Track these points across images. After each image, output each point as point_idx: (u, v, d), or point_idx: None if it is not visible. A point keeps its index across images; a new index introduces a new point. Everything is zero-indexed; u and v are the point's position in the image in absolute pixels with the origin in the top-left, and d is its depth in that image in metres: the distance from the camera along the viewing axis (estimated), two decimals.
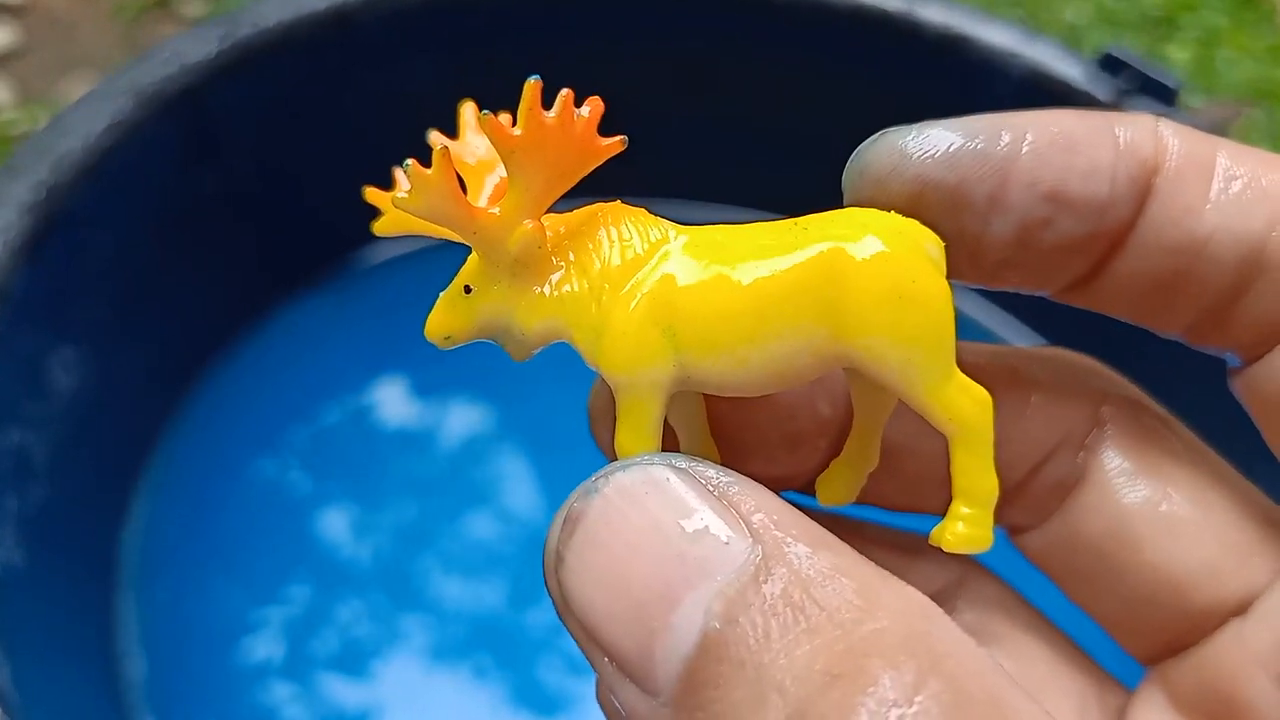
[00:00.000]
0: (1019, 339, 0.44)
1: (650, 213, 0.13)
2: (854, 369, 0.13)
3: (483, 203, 0.13)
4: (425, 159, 0.13)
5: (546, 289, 0.13)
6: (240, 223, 0.44)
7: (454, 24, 0.44)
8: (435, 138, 0.14)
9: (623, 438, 0.13)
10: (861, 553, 0.11)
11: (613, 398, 0.13)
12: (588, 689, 0.34)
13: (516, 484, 0.43)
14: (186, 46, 0.39)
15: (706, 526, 0.11)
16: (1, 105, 0.72)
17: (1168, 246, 0.13)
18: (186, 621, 0.39)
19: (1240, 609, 0.15)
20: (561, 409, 0.44)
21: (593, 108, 0.13)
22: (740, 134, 0.47)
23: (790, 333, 0.12)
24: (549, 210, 0.13)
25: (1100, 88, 0.41)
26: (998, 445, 0.13)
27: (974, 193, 0.13)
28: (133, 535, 0.40)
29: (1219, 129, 0.42)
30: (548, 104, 0.13)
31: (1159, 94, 0.41)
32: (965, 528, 0.13)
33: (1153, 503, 0.15)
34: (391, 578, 0.41)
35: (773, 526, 0.11)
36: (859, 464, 0.14)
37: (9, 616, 0.32)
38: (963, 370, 0.13)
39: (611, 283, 0.13)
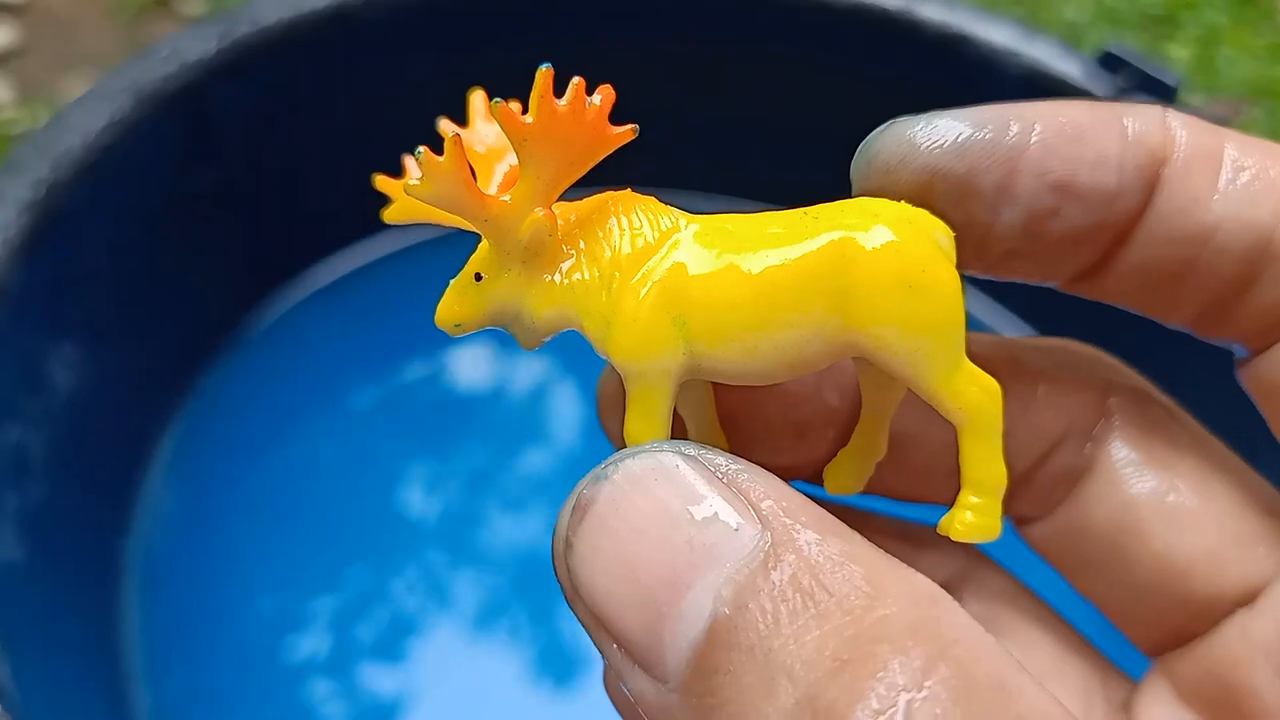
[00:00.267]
0: (1013, 333, 0.44)
1: (660, 201, 0.13)
2: (863, 358, 0.13)
3: (493, 191, 0.13)
4: (433, 150, 0.13)
5: (557, 277, 0.13)
6: (239, 220, 0.44)
7: (454, 22, 0.44)
8: (445, 126, 0.14)
9: (632, 426, 0.13)
10: (863, 532, 0.11)
11: (622, 386, 0.13)
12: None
13: (522, 487, 0.43)
14: (186, 45, 0.39)
15: (716, 513, 0.11)
16: (1, 104, 0.72)
17: (1175, 236, 0.13)
18: (186, 617, 0.39)
19: (1246, 599, 0.15)
20: (557, 418, 0.44)
21: (604, 96, 0.13)
22: (739, 131, 0.47)
23: (800, 321, 0.12)
24: (560, 198, 0.13)
25: (1099, 86, 0.41)
26: (1004, 435, 0.13)
27: (982, 182, 0.13)
28: (132, 532, 0.40)
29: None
30: (559, 92, 0.13)
31: (1158, 92, 0.41)
32: (974, 517, 0.13)
33: (1159, 493, 0.15)
34: (392, 577, 0.41)
35: (782, 513, 0.11)
36: (866, 454, 0.14)
37: (9, 613, 0.32)
38: (970, 360, 0.13)
39: (622, 271, 0.13)
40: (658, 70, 0.46)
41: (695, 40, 0.46)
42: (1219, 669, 0.14)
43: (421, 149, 0.12)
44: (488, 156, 0.14)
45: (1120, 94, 0.41)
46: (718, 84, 0.47)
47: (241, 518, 0.42)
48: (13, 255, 0.34)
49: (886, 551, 0.11)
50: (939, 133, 0.13)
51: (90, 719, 0.35)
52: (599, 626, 0.11)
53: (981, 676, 0.10)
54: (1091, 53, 0.42)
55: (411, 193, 0.13)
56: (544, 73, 0.12)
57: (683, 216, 0.13)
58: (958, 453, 0.13)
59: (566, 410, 0.44)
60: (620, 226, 0.13)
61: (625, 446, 0.13)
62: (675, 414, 0.13)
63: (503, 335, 0.14)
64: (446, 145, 0.12)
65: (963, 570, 0.16)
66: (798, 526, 0.11)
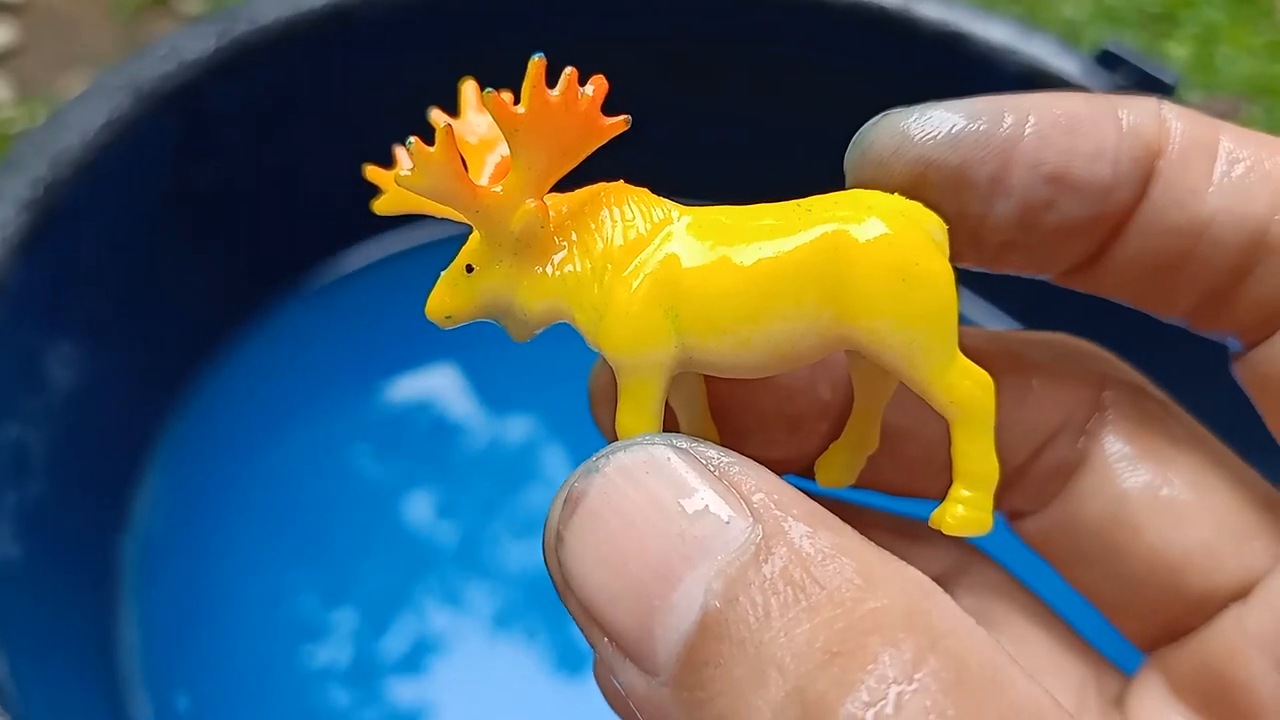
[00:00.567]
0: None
1: (652, 193, 0.13)
2: (855, 351, 0.13)
3: (484, 182, 0.13)
4: (427, 141, 0.12)
5: (549, 269, 0.13)
6: (237, 219, 0.44)
7: (452, 21, 0.44)
8: (437, 116, 0.14)
9: (624, 418, 0.13)
10: (860, 528, 0.11)
11: (614, 379, 0.13)
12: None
13: (524, 471, 0.43)
14: (184, 43, 0.39)
15: (707, 506, 0.11)
16: (1, 102, 0.72)
17: (1171, 229, 0.13)
18: (184, 615, 0.39)
19: (1240, 593, 0.15)
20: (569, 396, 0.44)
21: (596, 86, 0.13)
22: (737, 130, 0.47)
23: (793, 314, 0.12)
24: (552, 189, 0.13)
25: (1098, 83, 0.41)
26: (998, 429, 0.13)
27: (976, 174, 0.13)
28: (131, 530, 0.40)
29: None
30: (551, 83, 0.12)
31: (1157, 89, 0.41)
32: (965, 510, 0.13)
33: (1153, 487, 0.15)
34: (392, 576, 0.41)
35: (773, 506, 0.11)
36: (859, 446, 0.14)
37: (7, 611, 0.32)
38: (964, 354, 0.13)
39: (614, 263, 0.13)
40: (655, 69, 0.46)
41: (692, 40, 0.46)
42: (1213, 662, 0.14)
43: (413, 139, 0.12)
44: (479, 147, 0.14)
45: (1118, 92, 0.41)
46: (715, 83, 0.47)
47: (239, 516, 0.42)
48: (12, 254, 0.34)
49: (880, 545, 0.11)
50: (933, 124, 0.13)
51: (88, 715, 0.35)
52: (590, 620, 0.11)
53: (973, 668, 0.10)
54: (1090, 51, 0.42)
55: (402, 183, 0.12)
56: (536, 62, 0.12)
57: (675, 208, 0.13)
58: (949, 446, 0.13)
59: (570, 405, 0.44)
60: (613, 218, 0.13)
61: (617, 439, 0.13)
62: (667, 407, 0.13)
63: (506, 338, 0.14)
64: (438, 135, 0.12)
65: (957, 565, 0.16)
66: (789, 519, 0.11)
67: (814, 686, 0.10)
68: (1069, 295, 0.15)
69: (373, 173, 0.14)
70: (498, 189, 0.13)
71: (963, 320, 0.13)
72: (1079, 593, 0.16)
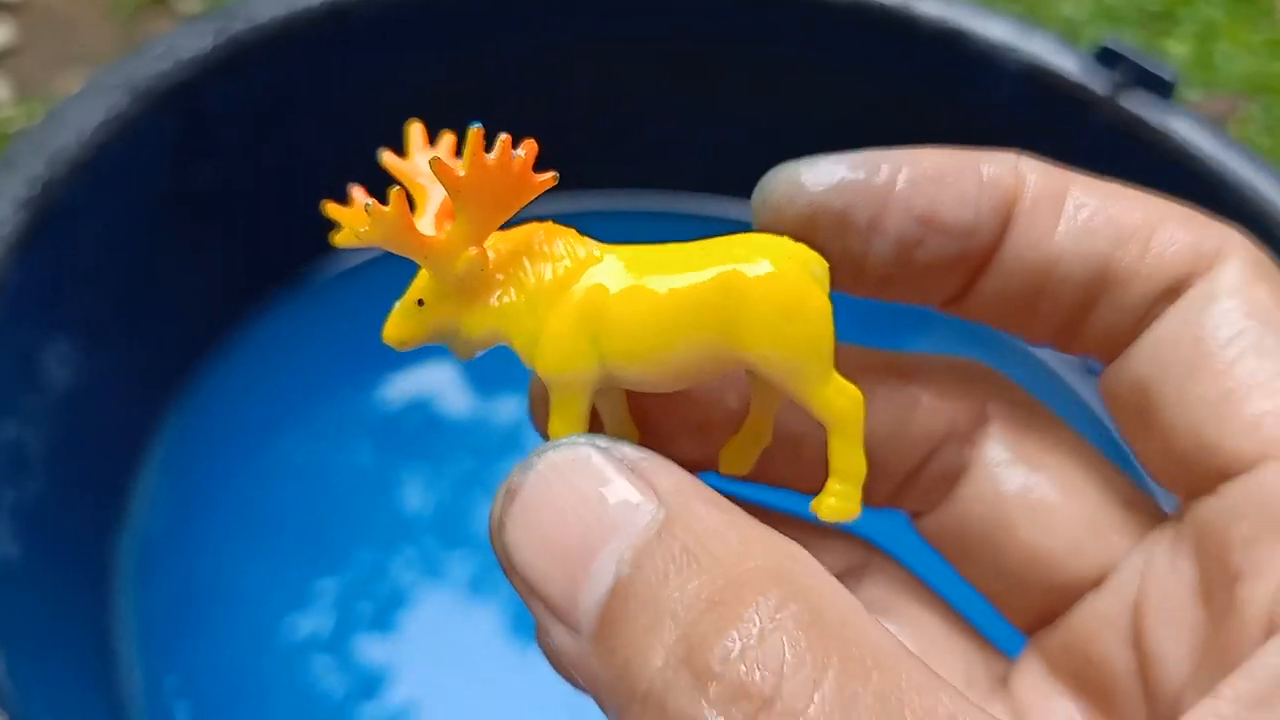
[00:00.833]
0: None
1: (580, 233, 0.15)
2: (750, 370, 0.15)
3: (429, 218, 0.16)
4: (370, 189, 0.15)
5: (492, 300, 0.15)
6: (235, 217, 0.44)
7: (450, 20, 0.44)
8: (388, 158, 0.16)
9: (555, 424, 0.15)
10: (784, 531, 0.13)
11: (547, 391, 0.15)
12: None
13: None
14: (181, 41, 0.39)
15: (621, 494, 0.13)
16: None
17: (1027, 265, 0.16)
18: (182, 613, 0.39)
19: (1099, 581, 0.17)
20: None
21: (527, 149, 0.15)
22: (736, 128, 0.47)
23: (696, 341, 0.14)
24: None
25: (1097, 80, 0.41)
26: (893, 437, 0.17)
27: (857, 217, 0.15)
28: (130, 528, 0.40)
29: (1216, 123, 0.42)
30: (489, 147, 0.14)
31: (1156, 86, 0.40)
32: (837, 501, 0.15)
33: (1026, 489, 0.17)
34: (392, 576, 0.41)
35: (676, 493, 0.13)
36: (754, 441, 0.17)
37: (5, 610, 0.32)
38: (861, 371, 0.16)
39: (545, 295, 0.15)
40: (654, 69, 0.46)
41: (691, 38, 0.46)
42: (1077, 643, 0.17)
43: (370, 201, 0.14)
44: (423, 185, 0.16)
45: (1118, 88, 0.41)
46: (714, 82, 0.47)
47: (237, 513, 0.42)
48: (9, 252, 0.34)
49: (798, 538, 0.13)
50: (821, 174, 0.15)
51: (87, 714, 0.35)
52: (528, 590, 0.14)
53: (826, 612, 0.12)
54: (1089, 48, 0.42)
55: (362, 239, 0.15)
56: (474, 133, 0.14)
57: (597, 247, 0.15)
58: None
59: None
60: (544, 255, 0.15)
61: (549, 440, 0.15)
62: (594, 411, 0.15)
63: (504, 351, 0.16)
64: (391, 197, 0.14)
65: (864, 561, 0.18)
66: (689, 503, 0.13)
67: (698, 629, 0.12)
68: None
69: (332, 209, 0.16)
70: (444, 235, 0.15)
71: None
72: (970, 584, 0.18)
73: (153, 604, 0.39)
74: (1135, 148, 0.40)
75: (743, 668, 0.11)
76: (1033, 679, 0.17)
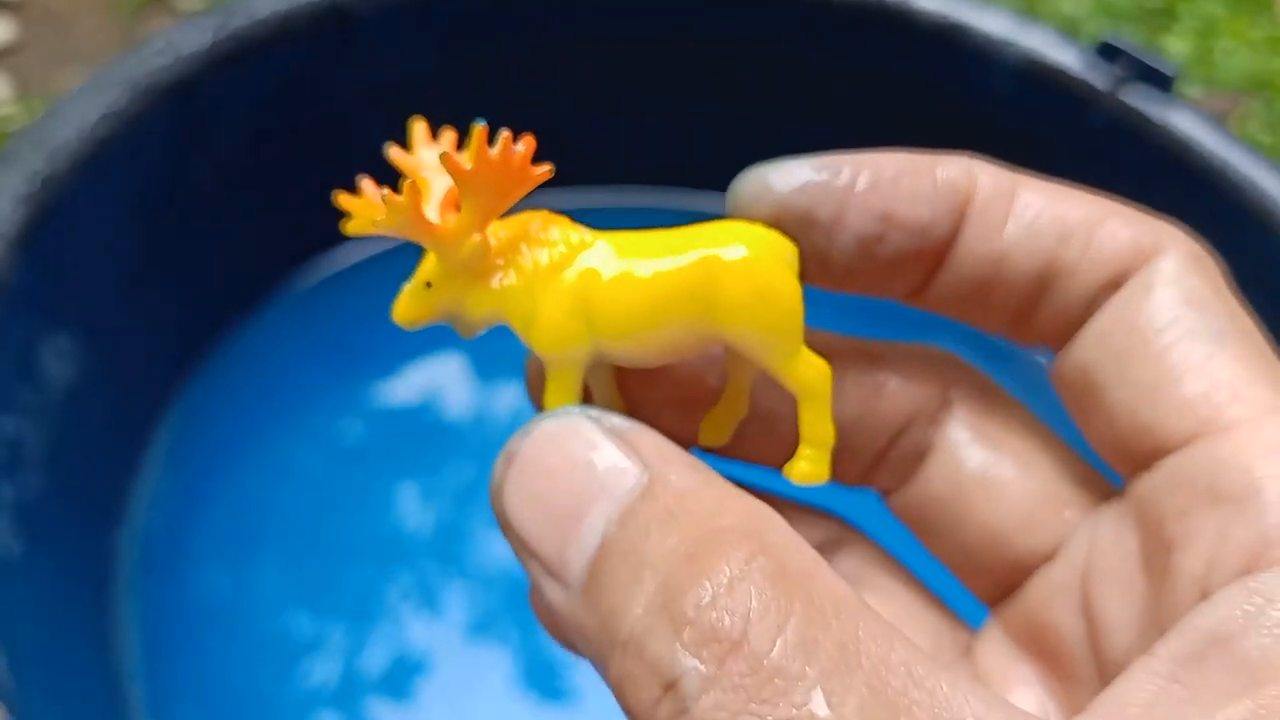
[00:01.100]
0: None
1: (573, 220, 0.16)
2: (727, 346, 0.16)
3: (435, 206, 0.17)
4: (378, 178, 0.16)
5: (493, 283, 0.16)
6: (234, 213, 0.44)
7: (450, 16, 0.44)
8: (395, 153, 0.17)
9: (549, 397, 0.16)
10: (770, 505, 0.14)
11: (543, 367, 0.17)
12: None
13: None
14: (181, 37, 0.39)
15: (609, 458, 0.14)
16: None
17: (979, 260, 0.17)
18: (183, 610, 0.39)
19: (1052, 555, 0.18)
20: None
21: (527, 144, 0.16)
22: (733, 126, 0.47)
23: (679, 321, 0.16)
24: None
25: (1097, 75, 0.41)
26: (862, 418, 0.18)
27: (820, 215, 0.16)
28: (130, 525, 0.40)
29: (1217, 119, 0.42)
30: (492, 141, 0.16)
31: (1156, 81, 0.40)
32: (807, 465, 0.16)
33: (985, 467, 0.18)
34: (392, 573, 0.41)
35: (659, 458, 0.14)
36: (731, 413, 0.18)
37: (6, 606, 0.32)
38: (833, 356, 0.17)
39: (541, 279, 0.16)
40: (653, 67, 0.46)
41: (691, 36, 0.46)
42: (1034, 612, 0.18)
43: (385, 191, 0.15)
44: (429, 177, 0.17)
45: (1118, 84, 0.41)
46: (713, 79, 0.47)
47: (237, 511, 0.42)
48: (9, 248, 0.34)
49: (780, 512, 0.14)
50: (787, 175, 0.17)
51: (88, 712, 0.35)
52: (523, 548, 0.15)
53: (790, 565, 0.13)
54: (1088, 43, 0.42)
55: (378, 226, 0.16)
56: (479, 130, 0.15)
57: (589, 233, 0.16)
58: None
59: None
60: (541, 241, 0.16)
61: (545, 410, 0.16)
62: (585, 386, 0.17)
63: (498, 331, 0.17)
64: (404, 188, 0.15)
65: (838, 538, 0.20)
66: (670, 467, 0.14)
67: (674, 579, 0.13)
68: None
69: (345, 200, 0.17)
70: (450, 222, 0.16)
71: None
72: (937, 558, 0.19)
73: (153, 599, 0.39)
74: (1136, 142, 0.40)
75: (714, 614, 0.12)
76: (994, 647, 0.18)
